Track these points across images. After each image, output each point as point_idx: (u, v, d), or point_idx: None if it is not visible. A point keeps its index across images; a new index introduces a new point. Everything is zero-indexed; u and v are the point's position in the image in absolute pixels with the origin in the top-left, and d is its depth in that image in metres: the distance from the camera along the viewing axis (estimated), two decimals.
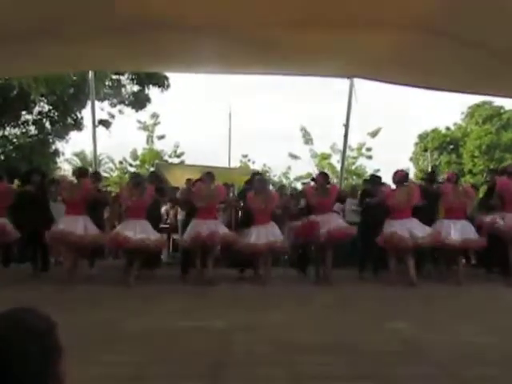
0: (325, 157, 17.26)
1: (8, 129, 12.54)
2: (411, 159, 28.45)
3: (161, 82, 12.51)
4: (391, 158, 26.32)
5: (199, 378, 2.49)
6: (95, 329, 3.42)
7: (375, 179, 7.22)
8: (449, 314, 4.19)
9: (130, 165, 17.83)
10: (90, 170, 8.15)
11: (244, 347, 3.04)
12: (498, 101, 24.97)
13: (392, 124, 34.53)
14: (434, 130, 28.90)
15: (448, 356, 2.86)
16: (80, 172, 6.34)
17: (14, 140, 12.55)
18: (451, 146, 28.16)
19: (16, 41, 5.74)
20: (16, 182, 6.80)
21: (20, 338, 0.72)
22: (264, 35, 5.71)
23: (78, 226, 5.65)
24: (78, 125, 12.77)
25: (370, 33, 5.58)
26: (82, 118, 12.74)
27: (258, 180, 6.43)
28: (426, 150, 28.40)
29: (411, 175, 18.66)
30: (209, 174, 6.18)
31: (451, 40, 5.20)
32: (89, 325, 3.52)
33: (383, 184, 6.61)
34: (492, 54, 4.86)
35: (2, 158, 12.18)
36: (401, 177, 6.15)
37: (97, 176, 6.92)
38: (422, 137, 29.09)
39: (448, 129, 28.98)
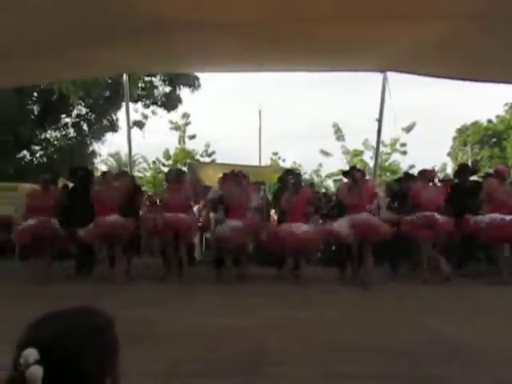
0: (357, 153, 16.97)
1: (49, 131, 13.08)
2: (449, 154, 27.52)
3: (192, 83, 12.69)
4: (427, 153, 25.57)
5: (235, 375, 2.51)
6: (130, 327, 3.51)
7: (405, 177, 7.04)
8: (487, 314, 4.03)
9: (163, 164, 18.16)
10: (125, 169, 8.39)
11: (278, 345, 3.04)
12: None
13: (427, 118, 33.52)
14: (475, 124, 27.77)
15: (487, 358, 2.75)
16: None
17: (55, 142, 13.06)
18: (493, 140, 27.00)
19: (56, 48, 5.98)
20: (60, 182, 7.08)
21: (79, 334, 0.74)
22: (296, 31, 5.66)
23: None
24: (113, 126, 13.15)
25: (405, 25, 5.43)
26: (117, 119, 13.13)
27: (291, 181, 6.29)
28: (465, 145, 27.37)
29: (449, 170, 18.06)
30: (238, 174, 6.21)
31: (492, 29, 4.96)
32: (125, 322, 3.61)
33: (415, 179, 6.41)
34: None
35: (45, 160, 12.71)
36: (429, 175, 5.98)
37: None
38: (461, 131, 28.05)
39: (490, 121, 27.76)
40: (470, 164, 11.14)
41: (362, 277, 5.65)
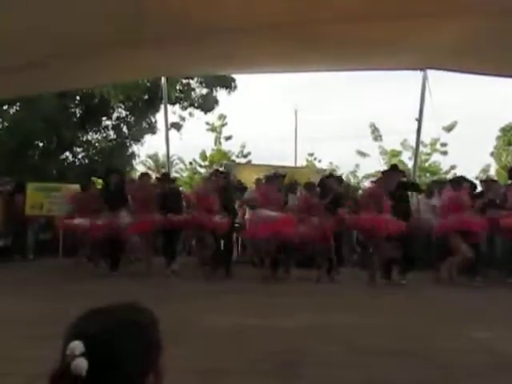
0: (395, 154, 16.53)
1: (90, 134, 13.53)
2: (492, 154, 26.35)
3: (228, 84, 12.78)
4: (469, 153, 24.60)
5: (272, 376, 2.49)
6: (169, 324, 3.56)
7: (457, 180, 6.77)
8: None
9: (200, 165, 18.37)
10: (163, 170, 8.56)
11: (316, 348, 3.00)
12: None
13: (469, 117, 32.22)
14: None
15: None
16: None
17: (96, 144, 13.50)
18: None
19: (96, 53, 6.19)
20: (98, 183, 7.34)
21: (124, 330, 0.75)
22: (335, 31, 5.60)
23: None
24: (152, 128, 13.44)
25: (445, 21, 5.26)
26: (155, 121, 13.39)
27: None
28: (510, 144, 26.13)
29: (492, 171, 17.29)
30: (273, 176, 6.21)
31: None
32: (162, 320, 3.67)
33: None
34: None
35: (86, 161, 13.16)
36: None
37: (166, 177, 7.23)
38: (506, 130, 26.80)
39: None
40: None
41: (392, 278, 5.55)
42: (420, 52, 6.75)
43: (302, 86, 37.65)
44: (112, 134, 13.67)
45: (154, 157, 23.38)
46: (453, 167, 15.80)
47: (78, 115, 12.82)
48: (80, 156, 13.39)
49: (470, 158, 22.87)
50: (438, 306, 4.63)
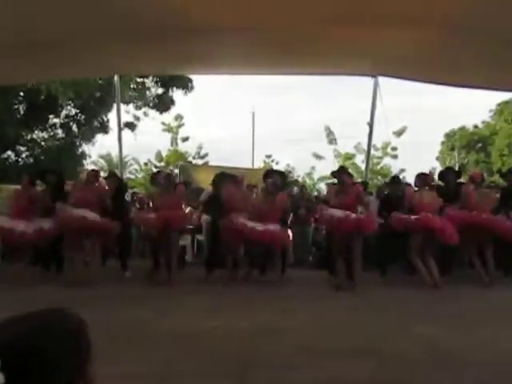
0: (349, 157, 17.06)
1: (36, 132, 12.91)
2: (437, 158, 27.86)
3: (185, 84, 12.64)
4: (417, 157, 25.85)
5: (225, 378, 2.48)
6: (121, 328, 3.46)
7: (395, 180, 7.08)
8: (475, 317, 4.05)
9: (155, 166, 18.06)
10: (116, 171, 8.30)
11: (270, 349, 3.02)
12: None
13: (417, 123, 33.86)
14: (462, 129, 28.20)
15: (481, 363, 2.76)
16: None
17: (42, 143, 12.90)
18: (479, 145, 27.42)
19: (44, 47, 5.90)
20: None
21: (49, 338, 0.70)
22: (288, 35, 5.68)
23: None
24: (104, 128, 13.04)
25: (396, 30, 5.48)
26: (108, 120, 13.01)
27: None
28: (453, 149, 27.73)
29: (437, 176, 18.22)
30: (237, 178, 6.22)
31: (478, 37, 5.06)
32: (114, 324, 3.56)
33: (407, 184, 6.47)
34: None
35: (31, 160, 12.54)
36: (427, 179, 6.03)
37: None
38: (449, 135, 28.43)
39: (476, 127, 28.23)
40: (456, 168, 11.23)
41: (351, 280, 5.67)
42: (371, 59, 6.99)
43: (260, 89, 37.99)
44: (60, 133, 13.12)
45: (106, 157, 22.70)
46: (402, 170, 16.53)
47: (22, 112, 12.19)
48: (24, 155, 12.75)
49: (417, 162, 24.00)
50: (389, 305, 4.80)
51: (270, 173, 6.81)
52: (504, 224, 5.79)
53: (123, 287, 5.59)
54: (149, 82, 13.29)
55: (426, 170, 7.24)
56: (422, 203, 5.78)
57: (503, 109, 26.82)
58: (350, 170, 7.17)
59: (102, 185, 6.35)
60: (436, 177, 6.98)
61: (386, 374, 2.58)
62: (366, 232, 5.69)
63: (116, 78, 9.00)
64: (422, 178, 6.05)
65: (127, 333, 3.33)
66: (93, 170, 6.89)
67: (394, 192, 6.66)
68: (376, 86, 8.42)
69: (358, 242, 5.71)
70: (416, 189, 6.11)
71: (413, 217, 5.73)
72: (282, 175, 6.94)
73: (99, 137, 13.46)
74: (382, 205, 6.72)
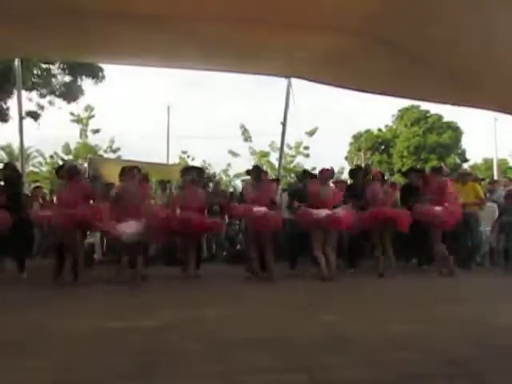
0: (263, 154, 17.49)
1: None
2: (346, 158, 29.76)
3: (95, 74, 11.97)
4: (328, 157, 27.34)
5: (130, 378, 2.44)
6: (18, 331, 3.24)
7: (304, 175, 7.45)
8: (377, 305, 4.45)
9: (62, 159, 16.94)
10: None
11: (178, 345, 3.02)
12: (424, 105, 26.82)
13: (329, 124, 35.81)
14: (367, 131, 30.48)
15: (373, 344, 3.05)
16: None
17: None
18: (382, 147, 29.85)
19: None
20: None
21: None
22: (208, 30, 5.66)
23: None
24: (2, 116, 11.90)
25: (308, 36, 5.74)
26: (7, 108, 11.89)
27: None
28: (359, 150, 29.83)
29: (346, 174, 19.46)
30: (130, 171, 6.02)
31: (383, 45, 5.48)
32: (11, 327, 3.32)
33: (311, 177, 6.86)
34: (415, 61, 5.19)
35: None
36: (327, 174, 6.45)
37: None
38: (357, 137, 30.55)
39: (380, 130, 30.68)
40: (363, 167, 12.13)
41: (267, 273, 5.94)
42: (285, 60, 7.25)
43: (176, 84, 37.29)
44: None
45: (6, 148, 20.82)
46: (314, 169, 17.34)
47: None
48: None
49: (328, 161, 25.38)
50: (296, 295, 5.06)
51: (188, 169, 6.79)
52: (405, 218, 6.40)
53: (21, 289, 5.20)
54: (55, 68, 12.37)
55: (336, 169, 7.70)
56: (318, 197, 6.17)
57: (403, 114, 29.51)
58: (264, 168, 7.43)
59: None
60: (347, 175, 7.56)
61: (291, 360, 2.73)
62: (274, 228, 6.02)
63: (17, 62, 8.29)
64: (322, 173, 6.46)
65: (22, 336, 3.12)
66: None
67: (302, 185, 7.01)
68: (289, 86, 8.76)
69: (269, 237, 6.01)
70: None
71: (315, 211, 6.08)
72: (200, 172, 6.95)
73: None
74: (290, 198, 7.09)
